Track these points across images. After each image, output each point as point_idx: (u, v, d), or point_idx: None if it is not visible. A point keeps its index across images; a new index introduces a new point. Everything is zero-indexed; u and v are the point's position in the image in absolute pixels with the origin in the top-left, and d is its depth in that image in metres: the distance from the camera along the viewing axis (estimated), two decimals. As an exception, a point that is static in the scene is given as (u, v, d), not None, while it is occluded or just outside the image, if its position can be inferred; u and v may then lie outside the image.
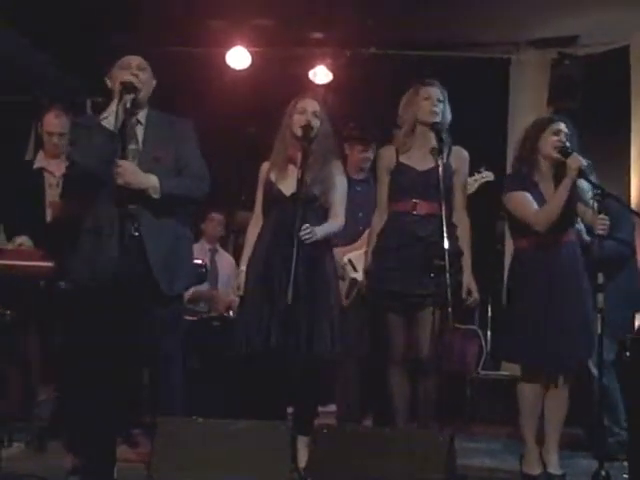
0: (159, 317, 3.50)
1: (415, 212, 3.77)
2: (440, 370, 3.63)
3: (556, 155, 3.77)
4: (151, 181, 3.43)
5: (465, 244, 3.80)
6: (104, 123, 3.40)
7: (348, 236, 4.52)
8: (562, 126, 3.83)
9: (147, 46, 5.32)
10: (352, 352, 4.47)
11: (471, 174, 4.30)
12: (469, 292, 3.75)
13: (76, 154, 3.53)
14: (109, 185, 3.36)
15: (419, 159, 3.81)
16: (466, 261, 3.78)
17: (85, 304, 3.43)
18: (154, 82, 3.64)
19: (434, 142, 3.71)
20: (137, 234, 3.44)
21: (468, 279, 3.76)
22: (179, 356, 3.61)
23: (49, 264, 3.93)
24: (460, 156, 3.88)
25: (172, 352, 3.57)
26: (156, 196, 3.43)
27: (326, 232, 3.77)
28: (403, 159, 3.86)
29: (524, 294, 3.81)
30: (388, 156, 3.92)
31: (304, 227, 3.59)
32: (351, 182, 4.63)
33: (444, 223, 3.48)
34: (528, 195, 3.79)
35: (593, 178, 3.91)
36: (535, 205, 3.78)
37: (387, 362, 3.86)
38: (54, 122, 4.37)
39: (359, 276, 4.43)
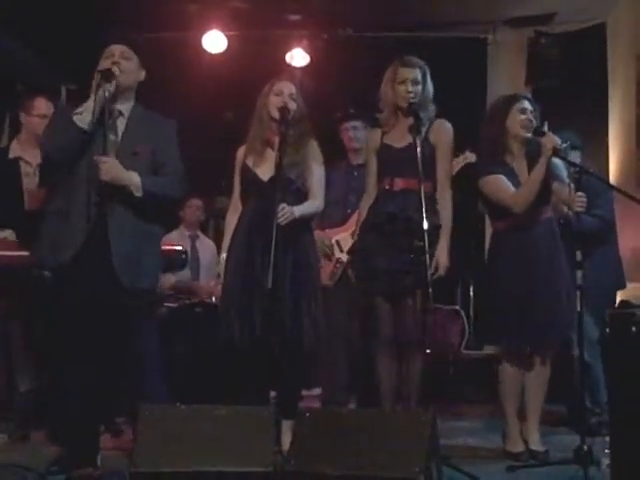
0: (124, 310, 3.41)
1: (391, 188, 3.78)
2: (424, 351, 3.64)
3: (525, 134, 3.78)
4: (134, 179, 3.38)
5: (445, 217, 3.77)
6: (76, 119, 3.34)
7: (337, 218, 4.61)
8: (526, 103, 3.84)
9: (122, 32, 5.29)
10: (337, 333, 4.50)
11: (455, 156, 4.31)
12: (436, 266, 3.69)
13: (47, 144, 3.51)
14: (80, 174, 3.33)
15: (398, 137, 3.82)
16: (444, 235, 3.75)
17: (59, 292, 3.39)
18: (142, 73, 3.57)
19: (416, 122, 3.68)
20: (103, 225, 3.38)
21: (440, 253, 3.71)
22: (152, 351, 3.54)
23: (25, 253, 3.90)
24: (440, 130, 3.85)
25: (142, 347, 3.49)
26: (138, 194, 3.38)
27: (304, 211, 3.75)
28: (386, 139, 3.88)
29: (504, 276, 3.81)
30: (374, 139, 3.94)
31: (280, 207, 3.58)
32: (349, 167, 4.67)
33: (423, 202, 3.46)
34: (503, 177, 3.80)
35: (577, 156, 3.90)
36: (511, 187, 3.78)
37: (375, 345, 3.85)
38: (47, 105, 4.33)
39: (344, 257, 4.49)
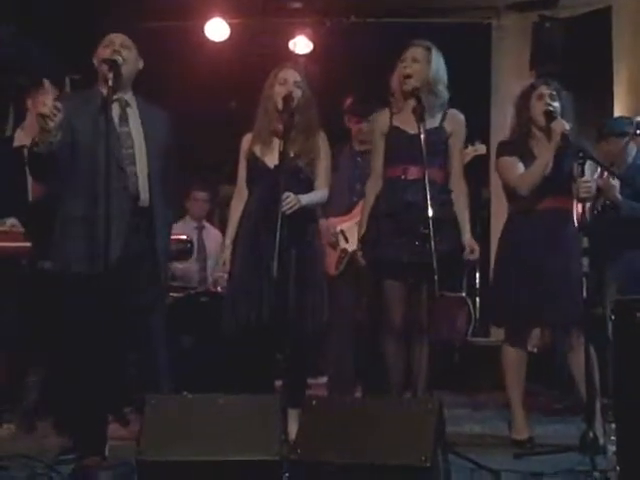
0: (151, 296, 3.50)
1: (405, 177, 3.74)
2: (432, 338, 3.64)
3: (545, 121, 3.76)
4: None
5: (463, 207, 3.79)
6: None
7: (343, 207, 4.57)
8: (544, 89, 3.83)
9: (124, 20, 5.28)
10: (342, 322, 4.49)
11: (464, 146, 4.30)
12: (472, 250, 3.75)
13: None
14: (100, 176, 3.30)
15: (410, 122, 3.72)
16: (465, 223, 3.78)
17: (77, 286, 3.40)
18: (140, 64, 3.58)
19: (419, 106, 3.64)
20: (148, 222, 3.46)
21: (469, 240, 3.76)
22: (161, 340, 3.61)
23: (28, 244, 3.92)
24: (456, 120, 3.83)
25: (159, 330, 3.57)
26: None
27: (310, 200, 3.75)
28: (396, 122, 3.82)
29: (509, 257, 3.85)
30: (382, 120, 3.88)
31: (285, 196, 3.57)
32: (352, 153, 4.64)
33: (427, 189, 3.45)
34: (516, 160, 3.81)
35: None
36: (521, 170, 3.79)
37: (384, 332, 3.84)
38: (53, 88, 4.31)
39: (350, 246, 4.46)
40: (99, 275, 3.23)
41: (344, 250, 4.57)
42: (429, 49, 3.77)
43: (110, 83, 3.35)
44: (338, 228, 4.59)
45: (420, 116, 3.58)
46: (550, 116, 3.73)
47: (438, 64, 3.77)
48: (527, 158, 3.80)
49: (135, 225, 3.40)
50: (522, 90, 3.96)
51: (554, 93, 3.81)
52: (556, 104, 3.78)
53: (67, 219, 3.45)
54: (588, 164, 3.69)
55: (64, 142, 3.33)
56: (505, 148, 3.91)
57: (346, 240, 4.57)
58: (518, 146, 3.85)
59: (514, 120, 3.93)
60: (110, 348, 3.31)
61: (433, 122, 3.76)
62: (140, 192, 3.46)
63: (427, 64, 3.74)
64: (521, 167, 3.80)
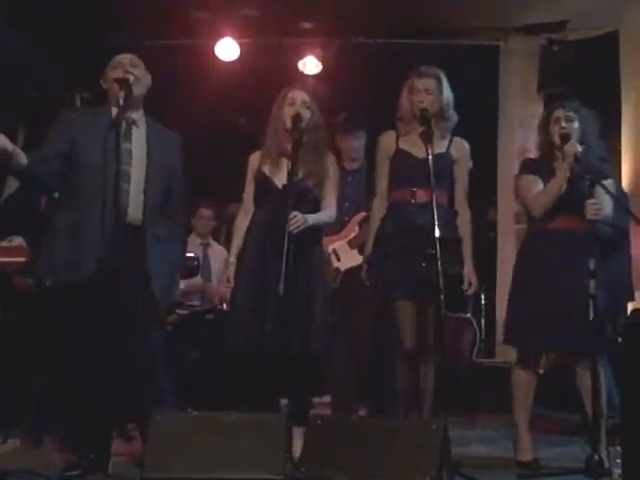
0: (144, 312, 3.48)
1: (414, 200, 3.75)
2: (437, 359, 3.64)
3: (560, 143, 3.79)
4: None
5: (466, 234, 3.81)
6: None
7: (333, 227, 4.55)
8: (560, 112, 3.85)
9: (135, 40, 5.33)
10: (341, 341, 4.49)
11: None
12: (470, 283, 3.75)
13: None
14: (95, 187, 3.32)
15: (418, 146, 3.74)
16: (467, 251, 3.79)
17: (65, 295, 3.40)
18: (149, 79, 3.60)
19: (428, 130, 3.67)
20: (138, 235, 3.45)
21: (469, 269, 3.76)
22: (161, 357, 3.58)
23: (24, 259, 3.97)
24: (461, 147, 3.87)
25: (152, 353, 3.54)
26: None
27: (317, 220, 3.76)
28: (403, 145, 3.85)
29: (524, 277, 3.85)
30: (387, 142, 3.90)
31: (292, 215, 3.58)
32: (344, 173, 4.66)
33: (435, 211, 3.46)
34: (536, 179, 3.82)
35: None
36: (539, 189, 3.80)
37: (397, 353, 3.83)
38: None
39: (342, 265, 4.50)
40: (82, 285, 3.25)
41: (336, 269, 4.58)
42: (438, 78, 3.81)
43: (121, 102, 3.37)
44: (330, 248, 4.58)
45: (429, 139, 3.60)
46: (565, 138, 3.76)
47: (448, 91, 3.83)
48: (550, 179, 3.81)
49: (124, 241, 3.34)
50: (543, 114, 4.01)
51: (570, 114, 3.83)
52: (575, 126, 3.80)
53: (59, 229, 3.44)
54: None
55: (62, 152, 3.38)
56: (528, 166, 3.93)
57: (338, 259, 4.59)
58: (542, 166, 3.86)
59: (538, 142, 3.96)
60: (109, 363, 3.31)
61: (440, 147, 3.79)
62: (130, 209, 3.43)
63: (440, 94, 3.79)
64: (540, 186, 3.81)
